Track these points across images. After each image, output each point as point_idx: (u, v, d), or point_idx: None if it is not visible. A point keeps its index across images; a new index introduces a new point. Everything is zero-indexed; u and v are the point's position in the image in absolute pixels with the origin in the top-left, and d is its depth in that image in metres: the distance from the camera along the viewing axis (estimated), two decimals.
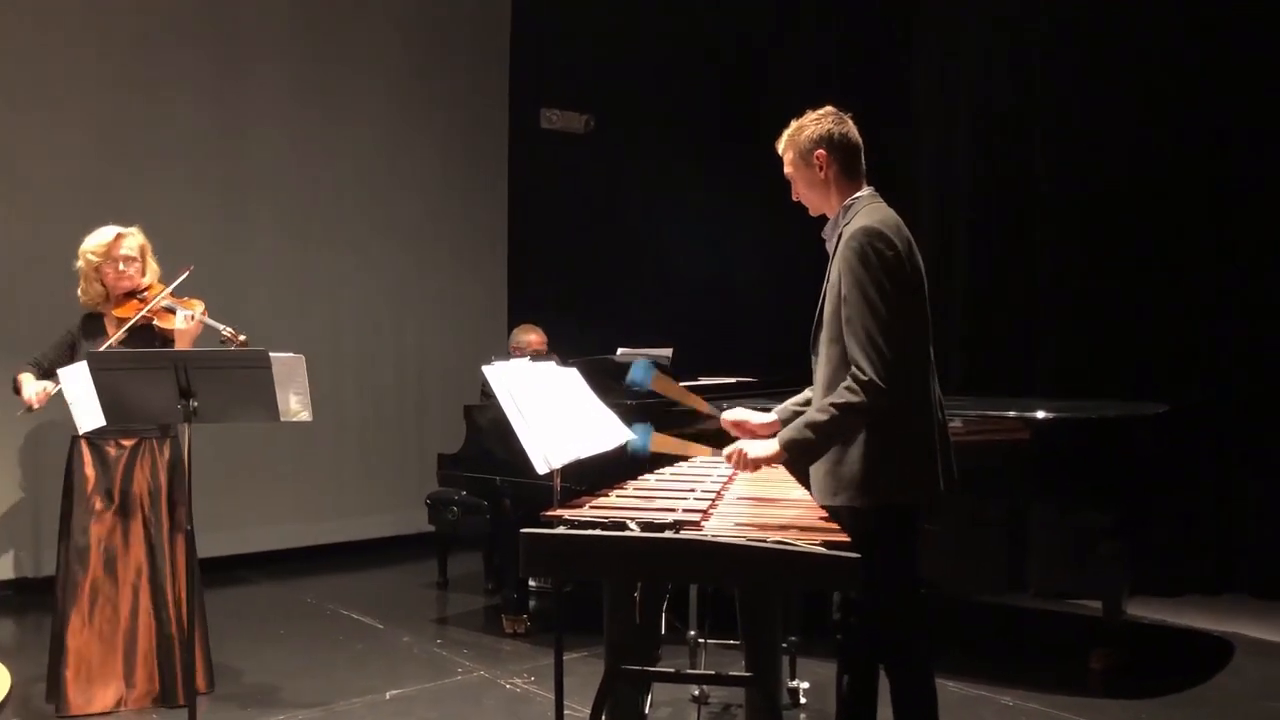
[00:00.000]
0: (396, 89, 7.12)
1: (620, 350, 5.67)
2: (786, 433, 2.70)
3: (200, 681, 4.10)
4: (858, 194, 2.84)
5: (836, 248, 2.80)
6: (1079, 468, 4.24)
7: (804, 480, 2.93)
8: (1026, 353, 5.97)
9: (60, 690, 3.91)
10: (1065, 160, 5.88)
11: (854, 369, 2.64)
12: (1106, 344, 5.73)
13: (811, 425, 2.66)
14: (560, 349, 5.64)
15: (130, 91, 6.07)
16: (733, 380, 5.56)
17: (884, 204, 2.83)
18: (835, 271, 2.76)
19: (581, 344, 5.64)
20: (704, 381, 5.49)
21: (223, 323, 4.03)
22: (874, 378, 2.60)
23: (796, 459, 2.72)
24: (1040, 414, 4.18)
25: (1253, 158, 5.42)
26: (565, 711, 3.04)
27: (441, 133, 7.33)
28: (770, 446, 2.72)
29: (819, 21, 7.27)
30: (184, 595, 3.88)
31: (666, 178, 7.58)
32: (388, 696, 4.17)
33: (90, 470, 4.04)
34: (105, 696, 3.95)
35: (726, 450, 2.81)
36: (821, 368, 2.82)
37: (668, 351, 5.72)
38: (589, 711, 2.30)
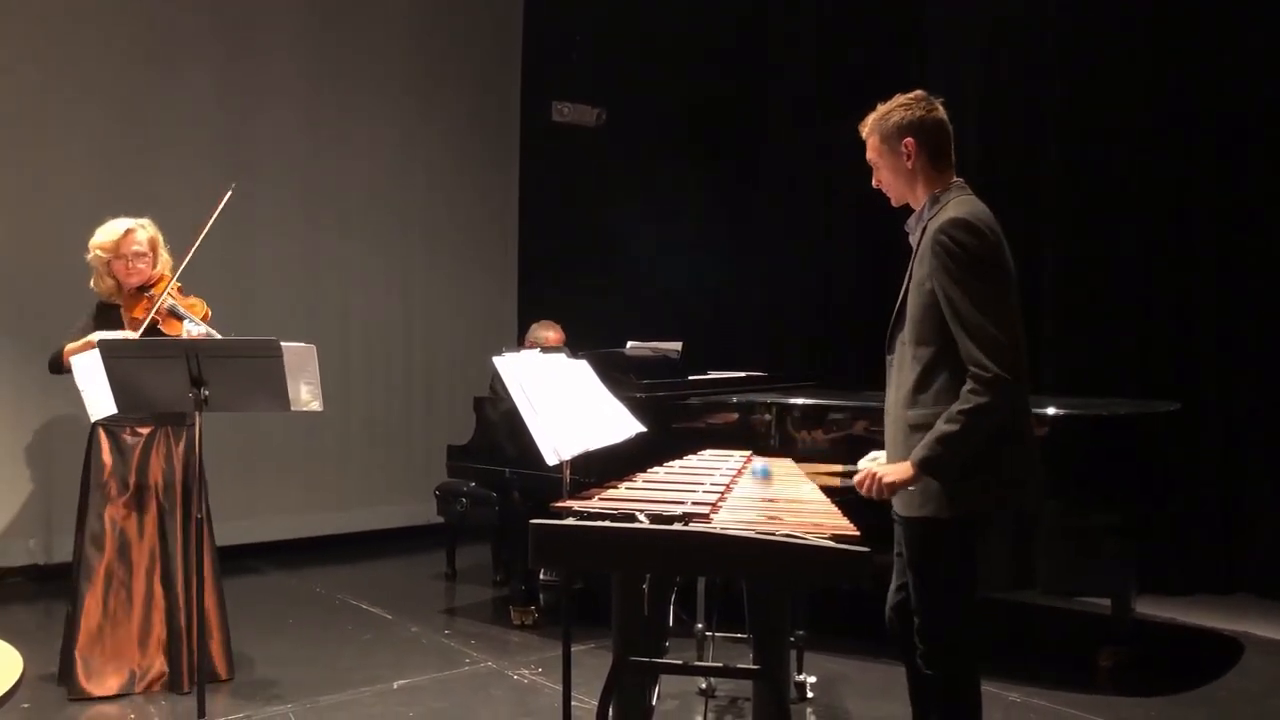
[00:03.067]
0: (409, 80, 7.13)
1: (630, 344, 5.67)
2: (918, 451, 2.54)
3: (221, 668, 4.14)
4: (947, 186, 2.71)
5: (920, 242, 2.66)
6: (1090, 464, 4.23)
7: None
8: (1035, 349, 5.95)
9: (72, 673, 3.95)
10: (1074, 157, 5.86)
11: (974, 369, 2.50)
12: (1115, 342, 5.72)
13: (943, 439, 2.51)
14: (570, 342, 5.64)
15: (143, 78, 6.08)
16: (743, 375, 5.57)
17: (974, 196, 2.70)
18: (923, 270, 2.62)
19: (591, 337, 5.65)
20: (714, 375, 5.50)
21: (233, 312, 4.04)
22: (999, 372, 2.47)
23: (934, 476, 2.55)
24: (1051, 410, 4.17)
25: (1265, 153, 5.40)
26: (573, 703, 3.05)
27: (453, 124, 7.33)
28: (903, 470, 2.57)
29: (826, 16, 7.25)
30: (197, 582, 3.91)
31: (677, 171, 7.58)
32: (395, 686, 4.18)
33: (107, 457, 4.06)
34: (116, 680, 3.99)
35: (856, 478, 2.66)
36: (904, 370, 2.67)
37: (677, 346, 5.71)
38: (596, 703, 2.30)
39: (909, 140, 2.69)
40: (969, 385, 2.51)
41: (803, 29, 7.40)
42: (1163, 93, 5.62)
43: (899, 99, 2.75)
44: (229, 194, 3.97)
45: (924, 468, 2.54)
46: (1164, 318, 5.66)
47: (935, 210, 2.67)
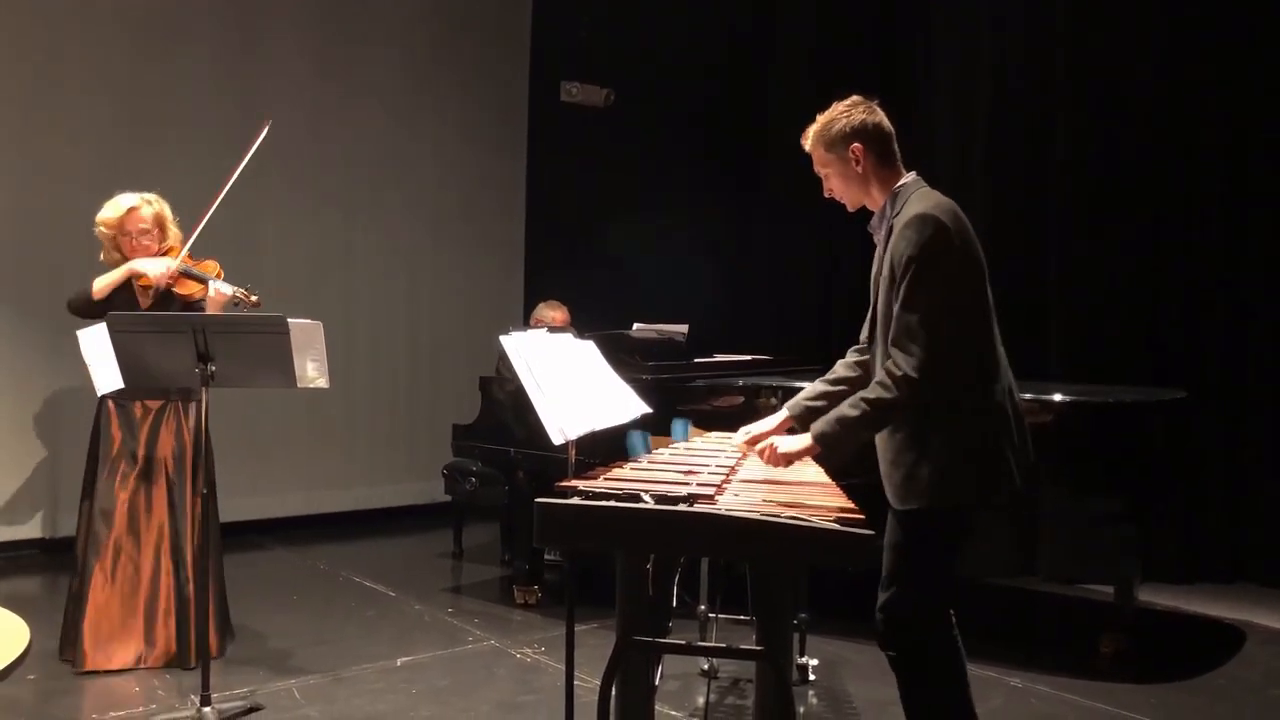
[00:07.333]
0: (416, 60, 7.11)
1: (636, 325, 5.67)
2: (818, 425, 2.65)
3: (212, 645, 4.15)
4: (902, 181, 2.73)
5: (888, 240, 2.68)
6: (1094, 451, 4.22)
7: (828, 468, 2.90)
8: (1040, 336, 5.93)
9: (79, 646, 3.99)
10: (1082, 145, 5.82)
11: (889, 363, 2.57)
12: (1121, 329, 5.70)
13: (842, 420, 2.61)
14: (576, 323, 5.64)
15: (149, 63, 6.08)
16: (747, 358, 5.56)
17: (931, 189, 2.72)
18: (888, 264, 2.65)
19: (597, 318, 5.64)
20: (719, 358, 5.49)
21: (237, 283, 4.06)
22: (908, 372, 2.52)
23: (827, 452, 2.65)
24: (1057, 396, 4.16)
25: (1275, 142, 5.36)
26: (575, 682, 3.06)
27: (461, 105, 7.31)
28: (803, 441, 2.66)
29: (835, 3, 7.22)
30: (199, 558, 3.93)
31: (686, 152, 7.55)
32: (398, 664, 4.20)
33: (117, 431, 4.08)
34: (124, 654, 4.02)
35: (758, 446, 2.75)
36: (879, 368, 2.70)
37: (683, 328, 5.71)
38: (599, 682, 2.31)
39: (856, 145, 2.72)
40: (880, 377, 2.58)
41: (810, 11, 7.35)
42: (1172, 80, 5.58)
43: (837, 106, 2.78)
44: (266, 129, 3.97)
45: (820, 441, 2.63)
46: (1170, 306, 5.63)
47: (899, 207, 2.69)
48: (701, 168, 7.62)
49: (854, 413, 2.59)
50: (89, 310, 4.03)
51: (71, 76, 5.83)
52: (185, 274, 4.09)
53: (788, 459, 2.68)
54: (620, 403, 3.33)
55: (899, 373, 2.54)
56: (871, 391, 2.59)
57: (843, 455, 2.67)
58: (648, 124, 7.47)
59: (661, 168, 7.49)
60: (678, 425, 3.07)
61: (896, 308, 2.59)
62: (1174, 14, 5.57)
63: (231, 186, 4.05)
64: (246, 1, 6.43)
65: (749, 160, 7.67)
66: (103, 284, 4.05)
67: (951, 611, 2.78)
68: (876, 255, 2.78)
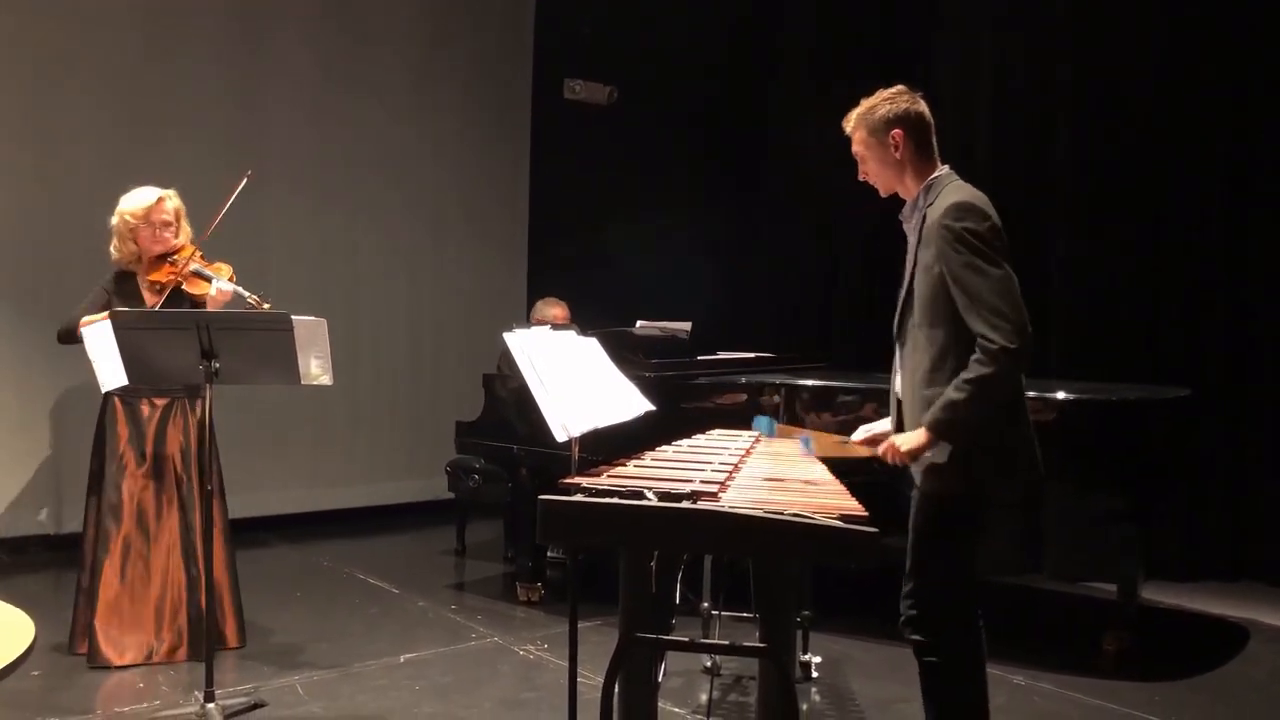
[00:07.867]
0: (419, 58, 7.10)
1: (639, 323, 5.67)
2: (929, 415, 2.66)
3: (232, 637, 4.20)
4: (936, 173, 2.81)
5: (921, 230, 2.75)
6: (1098, 449, 4.22)
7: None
8: (1043, 334, 5.92)
9: (91, 641, 4.01)
10: (1084, 143, 5.83)
11: (980, 341, 2.61)
12: (1125, 327, 5.70)
13: (952, 404, 2.63)
14: (579, 320, 5.64)
15: (150, 62, 6.07)
16: (751, 355, 5.57)
17: (965, 182, 2.79)
18: (929, 254, 2.71)
19: (599, 316, 5.64)
20: (723, 356, 5.50)
21: (247, 288, 4.06)
22: (1003, 343, 2.57)
23: (947, 440, 2.66)
24: (1061, 394, 4.16)
25: (1273, 144, 5.36)
26: (578, 679, 3.06)
27: (464, 103, 7.31)
28: (919, 435, 2.68)
29: (835, 3, 7.22)
30: (206, 553, 3.94)
31: (688, 150, 7.54)
32: (402, 660, 4.21)
33: (123, 428, 4.09)
34: (135, 649, 4.03)
35: (880, 448, 2.80)
36: (918, 352, 2.76)
37: (686, 326, 5.71)
38: (602, 679, 2.31)
39: (897, 132, 2.81)
40: (975, 355, 2.63)
41: (810, 11, 7.35)
42: (1172, 80, 5.58)
43: (882, 94, 2.87)
44: (245, 180, 4.01)
45: (935, 430, 2.65)
46: (1170, 306, 5.64)
47: (932, 198, 2.77)
48: (702, 168, 7.62)
49: (960, 395, 2.62)
50: (72, 341, 4.04)
51: (72, 76, 5.83)
52: (196, 274, 4.10)
53: (911, 454, 2.70)
54: (623, 400, 3.33)
55: (994, 346, 2.59)
56: (972, 370, 2.62)
57: (962, 438, 2.66)
58: (649, 123, 7.47)
59: (663, 167, 7.49)
60: (761, 422, 3.10)
61: (967, 292, 2.63)
62: (1174, 14, 5.57)
63: (235, 181, 4.06)
64: (248, 1, 6.43)
65: (749, 160, 7.67)
66: (90, 321, 4.04)
67: (978, 608, 2.83)
68: (910, 246, 2.83)
